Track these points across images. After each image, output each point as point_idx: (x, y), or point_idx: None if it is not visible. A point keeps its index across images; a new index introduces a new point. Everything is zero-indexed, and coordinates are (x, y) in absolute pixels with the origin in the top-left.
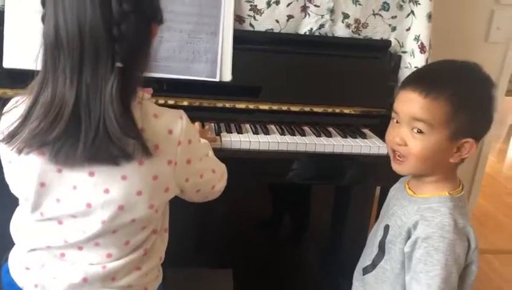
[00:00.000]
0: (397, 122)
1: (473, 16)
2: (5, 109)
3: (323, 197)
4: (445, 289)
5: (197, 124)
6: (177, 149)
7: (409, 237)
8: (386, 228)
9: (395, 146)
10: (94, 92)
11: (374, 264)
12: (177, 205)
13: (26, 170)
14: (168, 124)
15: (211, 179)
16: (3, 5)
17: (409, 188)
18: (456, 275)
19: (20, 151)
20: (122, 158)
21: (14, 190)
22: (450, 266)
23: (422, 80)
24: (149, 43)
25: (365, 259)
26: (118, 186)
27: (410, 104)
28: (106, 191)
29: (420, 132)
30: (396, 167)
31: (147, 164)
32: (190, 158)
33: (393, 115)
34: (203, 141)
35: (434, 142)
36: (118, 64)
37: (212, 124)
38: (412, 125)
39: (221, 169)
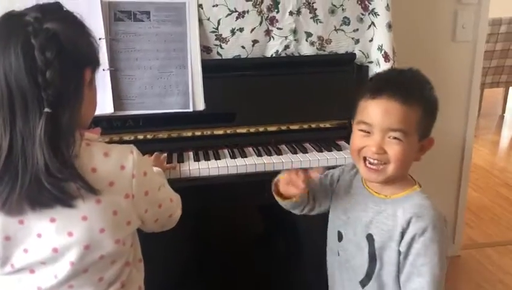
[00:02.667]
0: (367, 132)
1: (437, 18)
2: None
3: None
4: (442, 275)
5: (155, 154)
6: (132, 182)
7: (402, 237)
8: (370, 237)
9: (372, 155)
10: (27, 138)
11: (369, 276)
12: (167, 233)
13: None
14: (119, 160)
15: (169, 208)
16: None
17: (377, 193)
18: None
19: None
20: (64, 200)
21: None
22: (443, 252)
23: (395, 88)
24: (81, 86)
25: (356, 275)
26: (80, 228)
27: (387, 114)
28: (70, 234)
29: (395, 138)
30: (371, 175)
31: (104, 202)
32: (147, 189)
33: (362, 127)
34: (156, 170)
35: (409, 145)
36: (46, 110)
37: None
38: (387, 135)
39: (177, 198)
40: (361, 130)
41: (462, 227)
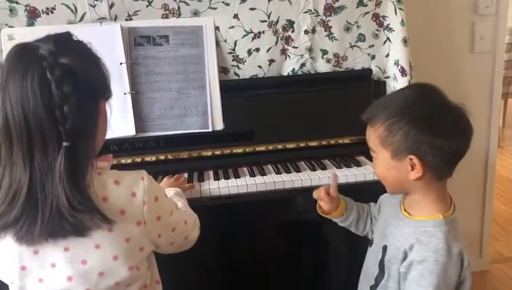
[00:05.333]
0: None
1: (454, 29)
2: None
3: (335, 229)
4: None
5: (176, 176)
6: (144, 209)
7: (405, 258)
8: (384, 248)
9: None
10: (46, 172)
11: (377, 284)
12: (186, 253)
13: (5, 256)
14: (129, 187)
15: (184, 231)
16: None
17: (405, 209)
18: None
19: None
20: (82, 231)
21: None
22: (441, 288)
23: (368, 112)
24: (96, 118)
25: (369, 280)
26: (93, 256)
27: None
28: (83, 262)
29: (373, 156)
30: None
31: (116, 230)
32: (159, 215)
33: None
34: (173, 191)
35: (383, 161)
36: (64, 144)
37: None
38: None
39: (193, 219)
40: None
41: (489, 240)
